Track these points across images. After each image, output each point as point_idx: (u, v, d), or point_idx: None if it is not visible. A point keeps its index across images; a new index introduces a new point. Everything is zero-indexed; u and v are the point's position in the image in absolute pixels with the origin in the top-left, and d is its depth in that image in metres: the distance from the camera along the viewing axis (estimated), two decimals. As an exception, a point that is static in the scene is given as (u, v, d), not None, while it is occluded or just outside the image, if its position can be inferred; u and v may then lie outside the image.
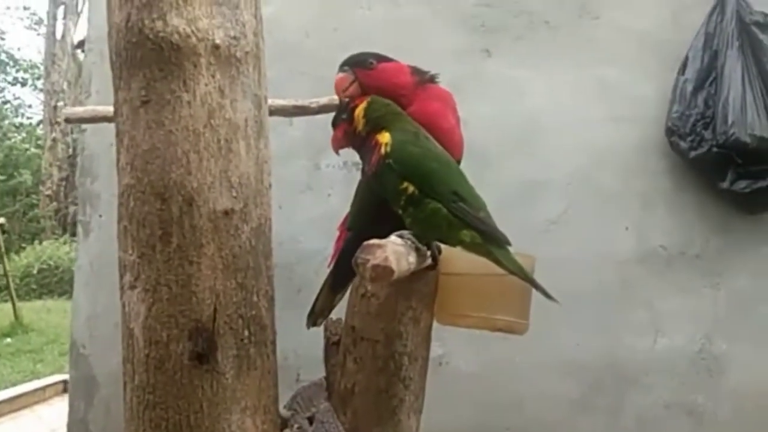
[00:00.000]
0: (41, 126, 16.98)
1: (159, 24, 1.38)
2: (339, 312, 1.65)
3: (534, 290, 1.35)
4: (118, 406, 2.03)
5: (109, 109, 2.21)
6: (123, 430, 1.49)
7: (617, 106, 2.63)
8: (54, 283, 11.42)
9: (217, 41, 1.43)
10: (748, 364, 2.53)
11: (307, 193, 2.73)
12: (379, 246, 1.08)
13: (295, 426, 1.55)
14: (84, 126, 2.88)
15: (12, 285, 8.38)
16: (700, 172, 2.54)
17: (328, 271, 1.70)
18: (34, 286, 11.34)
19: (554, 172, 2.62)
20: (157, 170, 1.38)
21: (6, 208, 14.56)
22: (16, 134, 17.99)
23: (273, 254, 1.56)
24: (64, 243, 12.71)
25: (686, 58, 2.55)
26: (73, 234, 12.23)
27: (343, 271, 1.56)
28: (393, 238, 1.24)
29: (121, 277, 1.44)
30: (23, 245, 13.13)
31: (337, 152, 1.58)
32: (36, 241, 13.17)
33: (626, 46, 2.65)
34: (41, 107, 17.05)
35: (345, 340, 1.54)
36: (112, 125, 1.63)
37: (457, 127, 1.60)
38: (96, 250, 2.78)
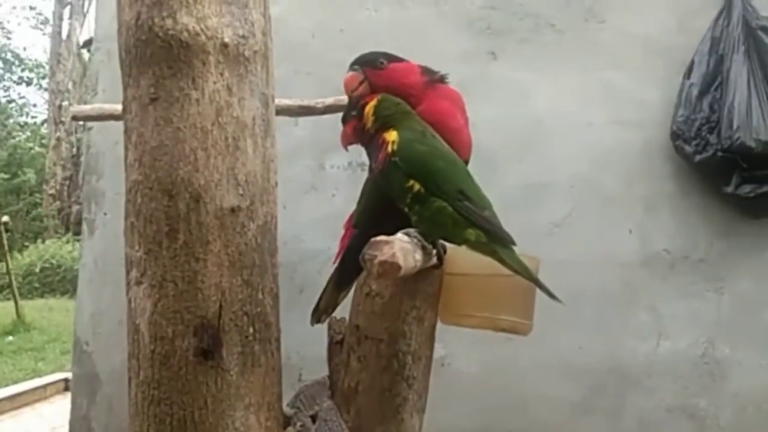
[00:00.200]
0: (46, 125, 17.03)
1: (168, 22, 1.39)
2: (343, 311, 1.66)
3: (537, 292, 1.36)
4: (121, 404, 2.03)
5: (116, 108, 2.23)
6: (127, 426, 1.49)
7: (622, 109, 2.63)
8: (56, 281, 11.44)
9: (226, 40, 1.44)
10: (750, 368, 2.53)
11: (312, 193, 2.73)
12: (387, 242, 1.08)
13: (298, 424, 1.55)
14: (90, 124, 2.89)
15: (14, 283, 8.40)
16: (705, 176, 2.54)
17: (332, 269, 1.71)
18: (36, 285, 11.35)
19: (558, 175, 2.63)
20: (165, 167, 1.39)
21: (9, 206, 14.59)
22: (20, 133, 18.04)
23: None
24: (67, 242, 12.74)
25: (692, 63, 2.56)
26: (76, 233, 12.27)
27: (349, 268, 1.57)
28: (400, 235, 1.25)
29: (128, 272, 1.45)
30: (26, 244, 13.17)
31: (345, 148, 1.59)
32: (39, 240, 13.19)
33: (632, 50, 2.65)
34: (46, 106, 17.11)
35: (349, 338, 1.54)
36: (118, 123, 1.64)
37: (466, 127, 1.61)
38: (100, 247, 2.79)
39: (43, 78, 18.62)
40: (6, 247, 7.86)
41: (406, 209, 1.36)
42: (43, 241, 12.92)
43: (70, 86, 15.42)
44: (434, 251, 1.37)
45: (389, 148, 1.37)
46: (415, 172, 1.34)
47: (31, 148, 17.03)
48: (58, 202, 14.81)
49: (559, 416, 2.55)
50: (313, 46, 2.76)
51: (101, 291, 2.77)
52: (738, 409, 2.52)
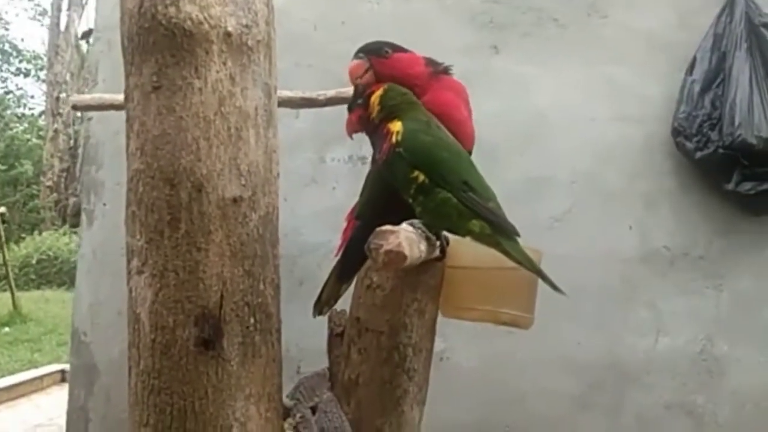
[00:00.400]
0: (43, 117, 16.97)
1: (172, 10, 1.38)
2: (343, 304, 1.66)
3: (538, 287, 1.36)
4: (119, 395, 2.02)
5: (116, 97, 2.23)
6: (125, 416, 1.49)
7: (624, 105, 2.63)
8: (53, 273, 11.44)
9: (229, 29, 1.43)
10: (748, 365, 2.53)
11: (312, 186, 2.73)
12: (393, 232, 1.08)
13: (298, 415, 1.55)
14: (90, 114, 2.88)
15: (11, 274, 8.38)
16: (706, 173, 2.54)
17: (332, 263, 1.70)
18: (32, 277, 11.34)
19: (559, 170, 2.62)
20: (167, 156, 1.38)
21: (6, 198, 14.55)
22: (18, 125, 17.99)
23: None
24: (64, 234, 12.72)
25: (694, 59, 2.55)
26: (73, 225, 12.27)
27: (351, 260, 1.57)
28: (405, 225, 1.24)
29: (129, 262, 1.44)
30: (23, 235, 13.14)
31: (350, 136, 1.58)
32: (35, 232, 13.17)
33: (634, 46, 2.65)
34: (44, 98, 17.04)
35: (350, 331, 1.54)
36: (119, 114, 1.63)
37: (469, 120, 1.61)
38: (99, 238, 2.78)
39: (41, 69, 18.55)
40: (3, 239, 7.84)
41: (410, 200, 1.36)
42: (40, 233, 12.90)
43: (68, 78, 15.37)
44: (438, 243, 1.36)
45: (393, 139, 1.36)
46: (420, 163, 1.33)
47: (28, 140, 16.98)
48: (55, 194, 14.78)
49: (557, 411, 2.56)
50: (315, 38, 2.75)
51: (100, 282, 2.76)
52: (736, 407, 2.53)
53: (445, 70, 1.62)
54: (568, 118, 2.63)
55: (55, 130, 15.05)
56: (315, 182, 2.73)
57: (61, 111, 14.98)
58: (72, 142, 15.09)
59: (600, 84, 2.64)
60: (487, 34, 2.70)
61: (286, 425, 1.53)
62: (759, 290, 2.55)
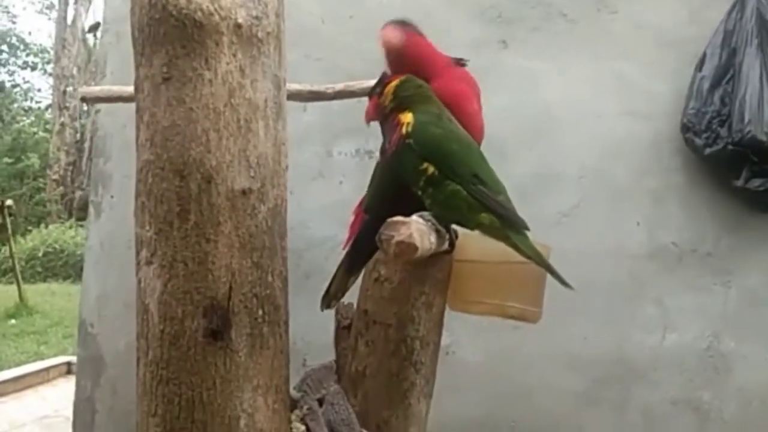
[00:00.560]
0: (50, 110, 17.03)
1: (182, 1, 1.38)
2: (350, 297, 1.66)
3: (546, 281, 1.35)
4: (125, 386, 2.02)
5: (125, 89, 2.23)
6: (132, 408, 1.49)
7: (633, 100, 2.61)
8: (59, 266, 11.49)
9: (240, 20, 1.43)
10: (756, 362, 2.52)
11: (319, 180, 2.72)
12: (404, 223, 1.08)
13: (305, 407, 1.55)
14: (98, 106, 2.89)
15: (17, 267, 8.42)
16: (715, 170, 2.52)
17: (339, 257, 1.70)
18: (39, 269, 11.40)
19: (568, 165, 2.61)
20: (177, 147, 1.38)
21: (13, 191, 14.63)
22: (24, 118, 18.06)
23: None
24: (70, 227, 12.78)
25: (704, 55, 2.53)
26: (79, 218, 12.31)
27: (360, 253, 1.57)
28: (415, 217, 1.24)
29: (138, 252, 1.45)
30: (29, 228, 13.20)
31: (367, 123, 1.58)
32: (42, 225, 13.23)
33: (644, 41, 2.63)
34: (50, 92, 17.11)
35: (357, 323, 1.54)
36: (127, 106, 1.63)
37: (480, 113, 1.61)
38: (107, 230, 2.79)
39: (48, 63, 18.61)
40: (9, 231, 7.88)
41: (420, 192, 1.36)
42: (46, 226, 12.96)
43: (74, 71, 15.43)
44: (447, 235, 1.36)
45: (404, 130, 1.36)
46: (430, 155, 1.33)
47: (35, 133, 17.05)
48: (61, 188, 14.84)
49: (563, 407, 2.55)
50: (324, 31, 2.74)
51: (107, 274, 2.77)
52: (743, 403, 2.52)
53: (460, 62, 1.63)
54: (576, 113, 2.62)
55: (62, 124, 15.11)
56: (322, 176, 2.73)
57: (67, 104, 15.03)
58: (78, 135, 15.15)
59: (609, 79, 2.63)
60: (496, 29, 2.69)
61: (293, 417, 1.53)
62: (767, 287, 2.53)
